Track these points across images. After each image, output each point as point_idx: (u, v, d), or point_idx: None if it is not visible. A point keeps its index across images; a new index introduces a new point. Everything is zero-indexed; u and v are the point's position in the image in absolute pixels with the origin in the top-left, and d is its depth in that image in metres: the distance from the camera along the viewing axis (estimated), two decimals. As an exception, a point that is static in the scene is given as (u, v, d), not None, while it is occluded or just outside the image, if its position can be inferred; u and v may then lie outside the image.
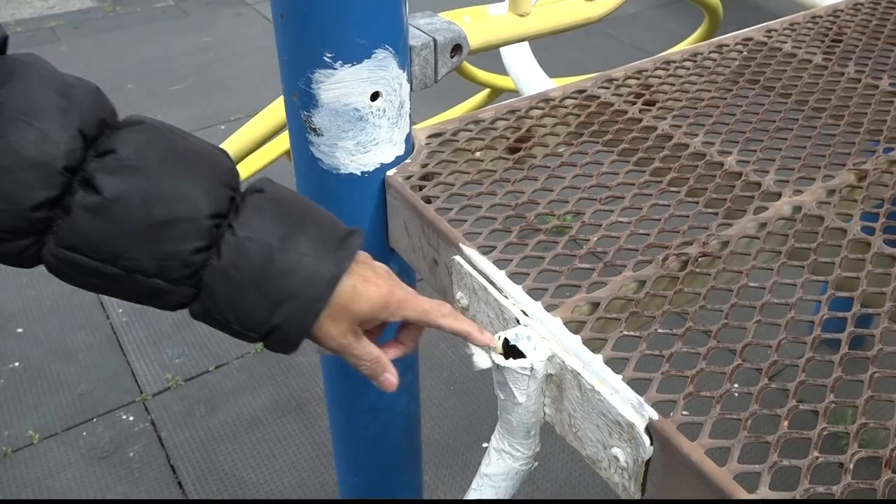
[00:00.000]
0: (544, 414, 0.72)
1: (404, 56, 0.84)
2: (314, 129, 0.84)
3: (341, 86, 0.80)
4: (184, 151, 0.59)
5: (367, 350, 0.65)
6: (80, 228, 0.54)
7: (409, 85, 0.87)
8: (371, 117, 0.83)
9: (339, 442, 1.19)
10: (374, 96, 0.82)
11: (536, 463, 0.76)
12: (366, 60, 0.80)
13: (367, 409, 1.09)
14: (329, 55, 0.78)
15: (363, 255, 0.65)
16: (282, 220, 0.60)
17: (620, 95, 1.08)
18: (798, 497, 0.55)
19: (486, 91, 2.15)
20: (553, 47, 2.87)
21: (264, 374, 2.17)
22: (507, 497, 0.76)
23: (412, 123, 0.92)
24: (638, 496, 0.63)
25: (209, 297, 0.58)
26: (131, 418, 2.04)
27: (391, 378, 0.68)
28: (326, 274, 0.60)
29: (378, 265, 0.66)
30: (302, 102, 0.83)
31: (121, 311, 2.39)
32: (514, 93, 1.75)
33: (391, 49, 0.81)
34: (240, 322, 0.60)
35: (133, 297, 0.59)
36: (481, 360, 0.70)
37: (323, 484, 1.86)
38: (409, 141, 0.92)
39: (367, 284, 0.63)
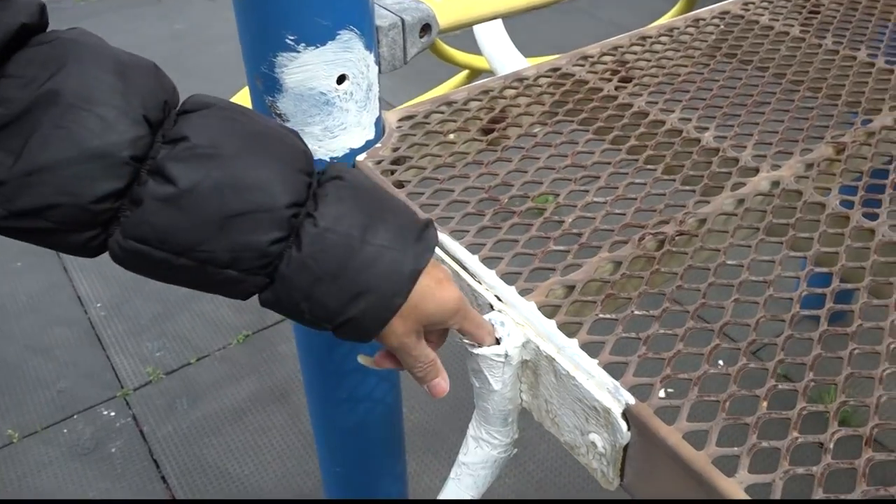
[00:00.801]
0: (521, 400, 0.70)
1: (371, 37, 0.82)
2: (279, 115, 0.81)
3: (305, 69, 0.78)
4: (257, 136, 0.56)
5: (426, 352, 0.64)
6: (150, 220, 0.52)
7: (377, 67, 0.85)
8: (338, 101, 0.81)
9: (319, 433, 1.18)
10: (341, 79, 0.80)
11: (515, 450, 0.75)
12: (330, 42, 0.77)
13: (346, 399, 1.08)
14: (291, 37, 0.76)
15: None
16: (362, 210, 0.58)
17: (595, 73, 1.07)
18: (778, 479, 0.54)
19: (465, 72, 2.13)
20: (531, 26, 2.85)
21: (247, 365, 2.15)
22: (486, 485, 0.75)
23: (382, 107, 0.90)
24: (617, 482, 0.63)
25: (284, 287, 0.57)
26: (112, 414, 2.02)
27: (443, 384, 0.66)
28: (407, 269, 0.58)
29: (443, 266, 0.65)
30: (266, 87, 0.80)
31: (99, 305, 2.36)
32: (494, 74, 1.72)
33: (356, 30, 0.79)
34: (313, 313, 0.58)
35: (202, 287, 0.57)
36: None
37: (309, 474, 1.85)
38: (380, 124, 0.90)
39: (441, 288, 0.61)
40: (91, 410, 2.03)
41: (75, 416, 2.01)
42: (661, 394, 0.62)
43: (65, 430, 1.97)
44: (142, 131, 0.52)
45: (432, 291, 0.60)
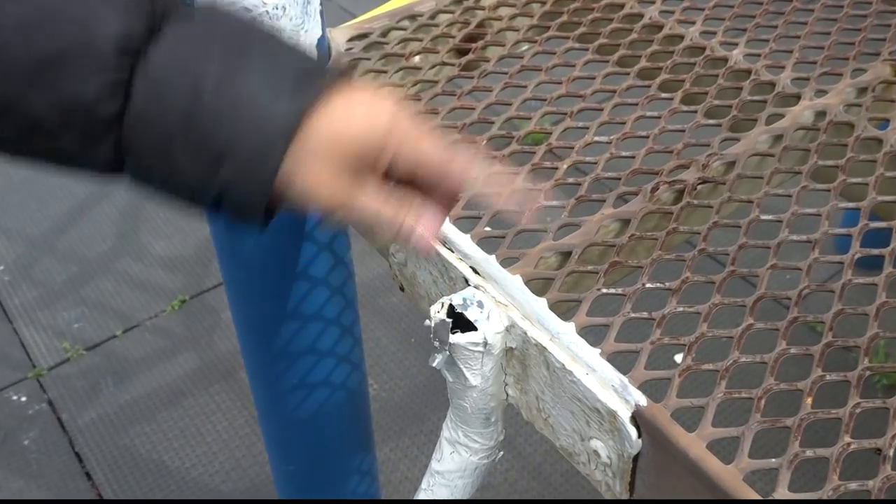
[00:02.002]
0: (506, 396, 0.68)
1: (307, -66, 0.77)
2: (193, 38, 0.76)
3: (223, -22, 0.73)
4: None
5: (381, 195, 0.55)
6: None
7: (317, -27, 0.80)
8: (267, 19, 0.77)
9: (267, 426, 1.16)
10: (270, -9, 0.75)
11: (501, 453, 0.73)
12: (253, -58, 0.72)
13: (298, 386, 1.06)
14: (202, -63, 0.70)
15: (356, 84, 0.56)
16: (220, 47, 0.53)
17: (597, -26, 1.02)
18: (826, 497, 0.52)
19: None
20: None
21: (185, 336, 2.13)
22: (467, 496, 0.74)
23: (339, 18, 0.85)
24: (626, 497, 0.60)
25: (134, 155, 0.53)
26: (24, 399, 2.00)
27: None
28: (280, 111, 0.52)
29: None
30: (173, 3, 0.75)
31: (2, 268, 2.31)
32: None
33: (287, -75, 0.73)
34: (178, 187, 0.54)
35: (52, 161, 0.54)
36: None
37: (262, 463, 1.84)
38: (324, 46, 0.86)
39: (357, 105, 0.53)
40: (-3, 396, 2.01)
41: (-22, 403, 1.99)
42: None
43: (-34, 421, 1.95)
44: None
45: (342, 113, 0.53)
